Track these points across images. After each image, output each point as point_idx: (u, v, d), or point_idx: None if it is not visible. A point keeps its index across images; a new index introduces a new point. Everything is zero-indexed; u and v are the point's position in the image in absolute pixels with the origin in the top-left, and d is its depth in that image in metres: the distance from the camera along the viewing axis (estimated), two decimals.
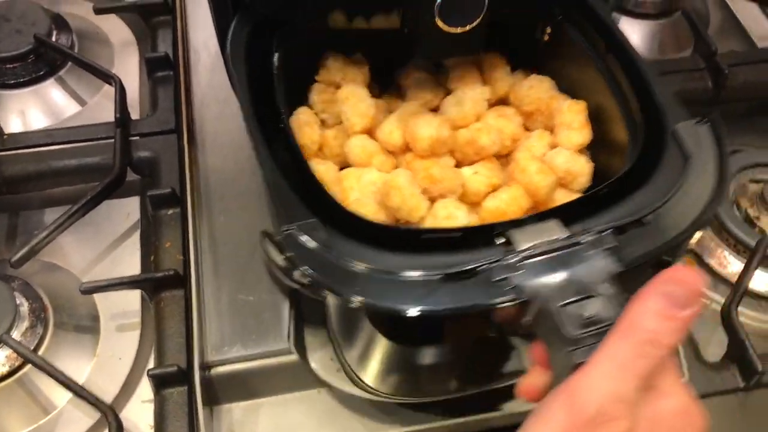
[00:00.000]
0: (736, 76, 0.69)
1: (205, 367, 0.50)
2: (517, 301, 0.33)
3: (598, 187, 0.39)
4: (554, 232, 0.35)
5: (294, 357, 0.50)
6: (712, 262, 0.61)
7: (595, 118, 0.47)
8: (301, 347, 0.50)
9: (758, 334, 0.58)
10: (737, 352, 0.53)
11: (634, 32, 0.77)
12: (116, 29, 0.77)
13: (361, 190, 0.45)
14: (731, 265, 0.60)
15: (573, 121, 0.46)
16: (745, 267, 0.57)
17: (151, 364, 0.54)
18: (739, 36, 0.80)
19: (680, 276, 0.29)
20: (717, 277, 0.60)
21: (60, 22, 0.73)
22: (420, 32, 0.41)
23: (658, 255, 0.35)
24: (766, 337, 0.58)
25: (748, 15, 0.81)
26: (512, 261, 0.34)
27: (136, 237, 0.63)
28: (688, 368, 0.52)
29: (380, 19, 0.44)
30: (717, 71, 0.68)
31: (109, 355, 0.56)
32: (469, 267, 0.34)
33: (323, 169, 0.46)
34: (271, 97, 0.43)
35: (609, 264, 0.34)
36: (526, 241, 0.34)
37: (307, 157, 0.48)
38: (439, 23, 0.39)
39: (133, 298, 0.58)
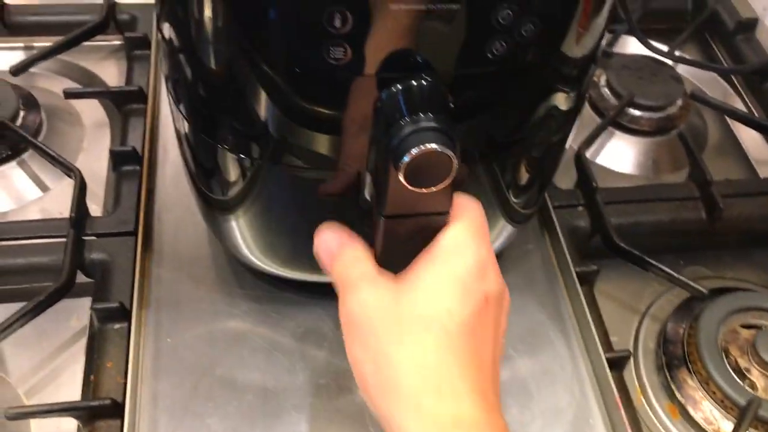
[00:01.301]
0: (731, 208, 0.66)
1: None
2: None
3: None
4: None
5: None
6: (698, 417, 0.56)
7: None
8: None
9: None
10: None
11: (628, 148, 0.74)
12: (89, 109, 0.73)
13: None
14: (718, 421, 0.56)
15: None
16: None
17: None
18: (737, 156, 0.78)
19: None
20: None
21: (29, 102, 0.70)
22: (383, 190, 0.37)
23: None
24: None
25: (748, 136, 0.78)
26: None
27: (82, 344, 0.58)
28: None
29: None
30: (712, 203, 0.65)
31: None
32: None
33: None
34: None
35: None
36: None
37: None
38: (405, 184, 0.36)
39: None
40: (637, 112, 0.74)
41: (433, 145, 0.35)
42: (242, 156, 0.43)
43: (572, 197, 0.66)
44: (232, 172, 0.45)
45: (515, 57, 0.36)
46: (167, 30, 0.40)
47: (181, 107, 0.43)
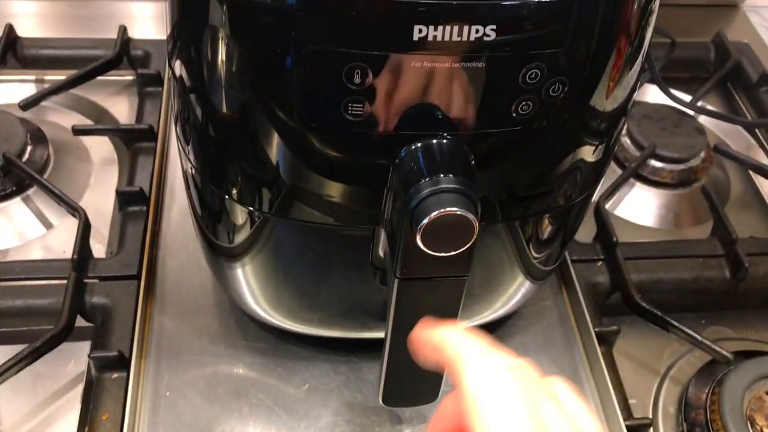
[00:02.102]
0: (756, 266, 0.63)
1: None
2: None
3: None
4: None
5: None
6: None
7: None
8: None
9: None
10: None
11: (649, 200, 0.72)
12: (98, 145, 0.72)
13: None
14: None
15: None
16: None
17: None
18: (760, 210, 0.75)
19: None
20: None
21: (37, 136, 0.68)
22: (399, 251, 0.35)
23: None
24: None
25: None
26: None
27: (79, 390, 0.56)
28: None
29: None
30: (736, 262, 0.63)
31: None
32: None
33: None
34: None
35: None
36: None
37: None
38: (422, 247, 0.34)
39: None
40: (658, 164, 0.72)
41: (454, 209, 0.33)
42: (250, 207, 0.41)
43: (591, 251, 0.64)
44: (239, 221, 0.44)
45: (542, 116, 0.35)
46: (178, 68, 0.39)
47: (189, 149, 0.42)
